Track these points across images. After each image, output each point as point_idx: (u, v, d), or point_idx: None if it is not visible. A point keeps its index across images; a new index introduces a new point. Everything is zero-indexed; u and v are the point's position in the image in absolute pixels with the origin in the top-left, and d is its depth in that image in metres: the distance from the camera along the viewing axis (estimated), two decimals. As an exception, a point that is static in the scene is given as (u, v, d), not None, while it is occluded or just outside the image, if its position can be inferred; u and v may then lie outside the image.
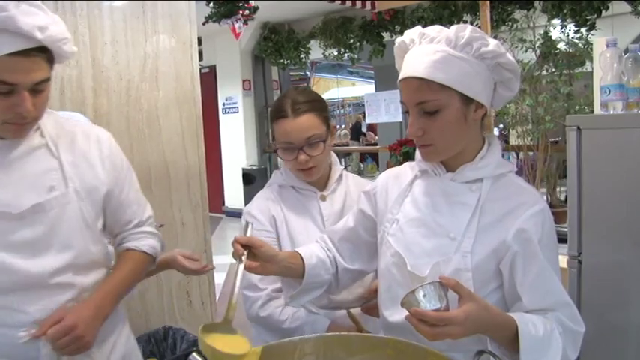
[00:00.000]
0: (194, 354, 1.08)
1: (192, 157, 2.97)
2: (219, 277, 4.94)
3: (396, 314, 1.33)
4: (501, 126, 9.27)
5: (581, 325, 1.27)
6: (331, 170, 1.87)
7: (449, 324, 1.07)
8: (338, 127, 14.40)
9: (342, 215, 1.72)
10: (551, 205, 6.76)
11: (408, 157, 7.33)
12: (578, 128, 2.24)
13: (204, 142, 2.99)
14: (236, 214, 10.37)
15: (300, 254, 1.48)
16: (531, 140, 5.89)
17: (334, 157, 1.89)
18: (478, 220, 1.31)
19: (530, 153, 6.11)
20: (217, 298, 3.04)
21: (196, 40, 2.99)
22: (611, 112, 2.21)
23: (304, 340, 1.27)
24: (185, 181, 2.95)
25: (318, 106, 1.76)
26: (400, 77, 1.31)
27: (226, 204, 10.83)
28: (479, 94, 1.29)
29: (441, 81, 1.25)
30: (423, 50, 1.29)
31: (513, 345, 1.16)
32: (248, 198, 10.42)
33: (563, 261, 2.29)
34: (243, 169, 10.56)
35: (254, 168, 10.58)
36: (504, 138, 8.23)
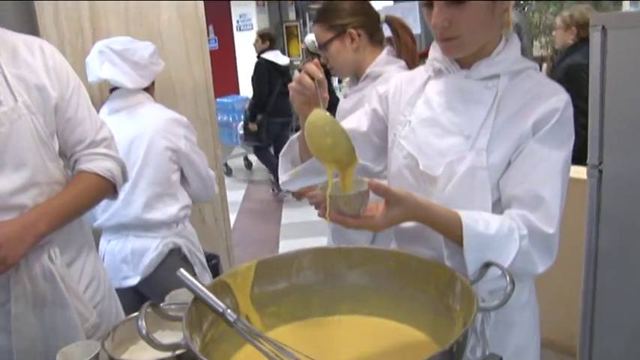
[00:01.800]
0: (181, 270, 1.03)
1: (198, 73, 2.88)
2: (232, 195, 4.94)
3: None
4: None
5: (552, 226, 1.18)
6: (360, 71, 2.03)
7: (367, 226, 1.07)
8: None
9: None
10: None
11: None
12: (603, 28, 2.08)
13: (209, 58, 2.89)
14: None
15: None
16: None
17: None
18: (494, 117, 1.25)
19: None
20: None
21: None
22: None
23: (302, 253, 1.22)
24: (192, 98, 2.87)
25: (323, 16, 2.00)
26: None
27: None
28: None
29: None
30: None
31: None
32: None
33: (582, 171, 2.21)
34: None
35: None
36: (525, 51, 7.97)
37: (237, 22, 10.45)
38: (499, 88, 1.26)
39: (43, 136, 1.42)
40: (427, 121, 1.33)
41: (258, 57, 6.43)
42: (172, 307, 1.28)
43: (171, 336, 1.27)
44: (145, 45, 2.30)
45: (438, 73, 1.36)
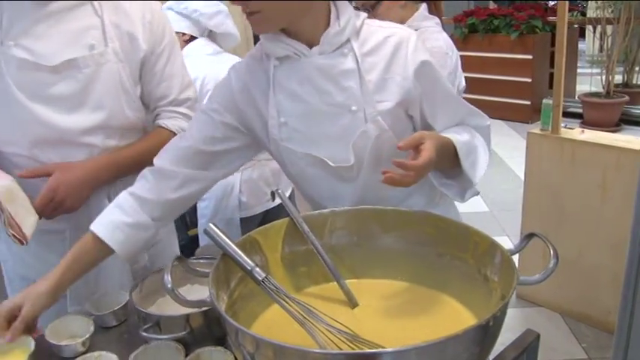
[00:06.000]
0: (210, 225, 1.00)
1: (238, 25, 2.82)
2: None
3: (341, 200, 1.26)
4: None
5: (485, 118, 1.30)
6: None
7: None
8: None
9: None
10: (626, 85, 6.39)
11: (475, 28, 6.93)
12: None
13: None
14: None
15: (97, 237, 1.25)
16: (612, 12, 5.43)
17: None
18: (367, 80, 1.19)
19: (610, 26, 5.66)
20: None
21: None
22: None
23: (336, 213, 1.18)
24: (231, 50, 2.81)
25: None
26: None
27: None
28: None
29: None
30: None
31: (452, 162, 1.17)
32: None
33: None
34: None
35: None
36: (581, 10, 7.64)
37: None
38: (355, 50, 1.19)
39: (126, 84, 1.46)
40: (305, 116, 1.22)
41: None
42: (201, 261, 1.26)
43: (198, 290, 1.26)
44: None
45: (284, 59, 1.22)
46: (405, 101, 1.21)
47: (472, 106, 1.30)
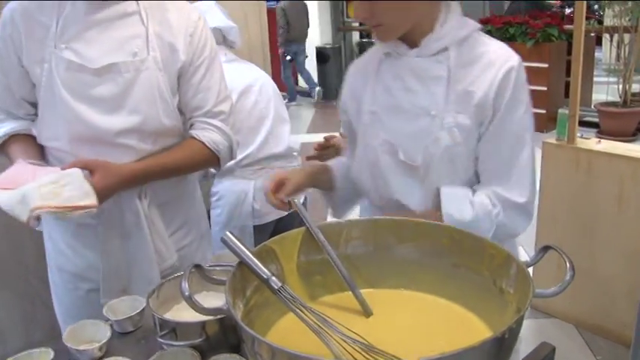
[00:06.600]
0: (227, 233, 1.01)
1: (254, 32, 2.84)
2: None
3: (409, 198, 1.36)
4: (595, 6, 8.53)
5: (523, 195, 1.28)
6: None
7: None
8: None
9: None
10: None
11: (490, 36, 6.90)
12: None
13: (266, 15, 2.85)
14: (310, 93, 10.32)
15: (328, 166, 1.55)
16: (629, 20, 5.39)
17: None
18: (453, 90, 1.25)
19: (627, 35, 5.62)
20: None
21: None
22: None
23: (352, 223, 1.18)
24: (247, 55, 2.83)
25: None
26: None
27: (300, 83, 10.76)
28: None
29: None
30: None
31: None
32: (322, 77, 10.32)
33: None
34: (317, 48, 10.36)
35: (328, 46, 10.37)
36: (598, 19, 7.60)
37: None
38: (450, 59, 1.26)
39: (163, 91, 1.52)
40: (392, 109, 1.34)
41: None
42: (217, 268, 1.27)
43: (215, 298, 1.27)
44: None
45: (388, 55, 1.36)
46: (479, 121, 1.26)
47: (528, 177, 1.29)
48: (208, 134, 1.61)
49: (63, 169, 1.39)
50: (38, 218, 1.30)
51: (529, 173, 1.29)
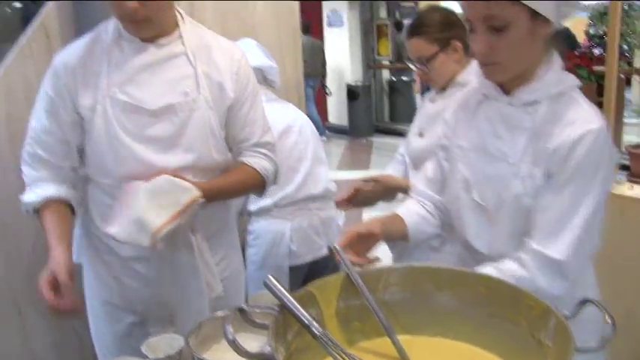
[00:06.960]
0: (269, 276, 1.04)
1: (290, 70, 2.90)
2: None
3: (478, 240, 1.39)
4: (625, 47, 8.50)
5: (562, 254, 1.25)
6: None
7: None
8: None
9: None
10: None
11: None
12: None
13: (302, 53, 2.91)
14: (339, 130, 10.37)
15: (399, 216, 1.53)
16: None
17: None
18: (536, 143, 1.27)
19: (659, 78, 5.59)
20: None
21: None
22: None
23: (391, 269, 1.20)
24: (284, 94, 2.89)
25: (425, 29, 2.01)
26: None
27: (330, 120, 10.83)
28: (547, 8, 1.21)
29: None
30: None
31: None
32: (352, 114, 10.37)
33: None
34: (347, 85, 10.43)
35: (359, 84, 10.42)
36: (627, 60, 7.57)
37: (328, 17, 10.48)
38: (538, 113, 1.28)
39: (215, 129, 1.60)
40: (477, 148, 1.39)
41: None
42: (256, 310, 1.29)
43: (254, 340, 1.29)
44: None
45: (485, 97, 1.40)
46: (549, 175, 1.27)
47: (573, 237, 1.26)
48: (259, 161, 1.71)
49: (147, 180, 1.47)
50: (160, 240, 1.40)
51: (576, 236, 1.26)
